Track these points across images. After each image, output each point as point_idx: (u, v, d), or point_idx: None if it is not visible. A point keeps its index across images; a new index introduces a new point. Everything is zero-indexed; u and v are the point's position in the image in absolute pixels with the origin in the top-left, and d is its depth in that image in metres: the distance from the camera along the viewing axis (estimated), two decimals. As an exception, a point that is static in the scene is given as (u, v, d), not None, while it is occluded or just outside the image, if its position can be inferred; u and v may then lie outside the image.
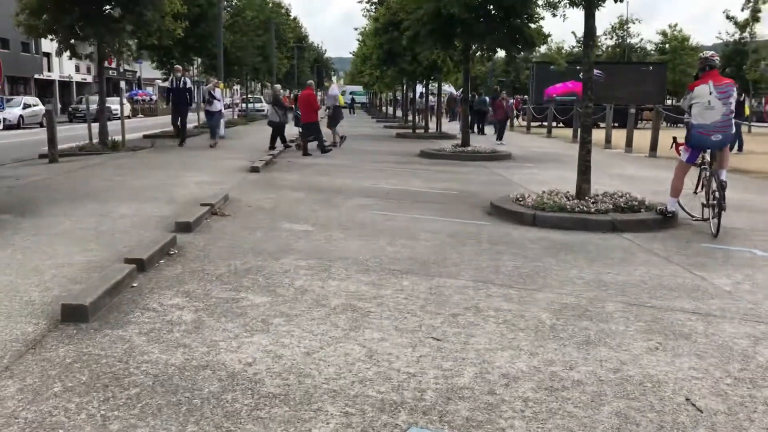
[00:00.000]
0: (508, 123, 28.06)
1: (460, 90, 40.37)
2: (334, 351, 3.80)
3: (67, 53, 16.68)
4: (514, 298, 4.91)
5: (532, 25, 16.19)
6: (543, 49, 30.33)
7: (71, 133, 21.64)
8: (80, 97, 44.87)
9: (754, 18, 32.95)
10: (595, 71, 36.92)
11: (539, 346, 3.94)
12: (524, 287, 5.22)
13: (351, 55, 66.06)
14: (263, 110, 47.10)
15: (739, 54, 46.43)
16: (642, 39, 50.43)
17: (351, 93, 78.79)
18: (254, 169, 12.65)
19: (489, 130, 28.43)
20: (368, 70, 29.74)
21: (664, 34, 46.96)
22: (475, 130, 29.04)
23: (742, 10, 33.36)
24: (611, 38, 50.49)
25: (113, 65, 59.98)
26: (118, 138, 17.08)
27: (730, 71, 47.40)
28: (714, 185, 7.56)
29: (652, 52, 50.22)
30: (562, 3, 15.12)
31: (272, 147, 17.84)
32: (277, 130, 18.13)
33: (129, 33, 16.84)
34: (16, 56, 44.85)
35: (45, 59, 50.26)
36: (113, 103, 46.07)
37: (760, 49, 41.50)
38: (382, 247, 6.55)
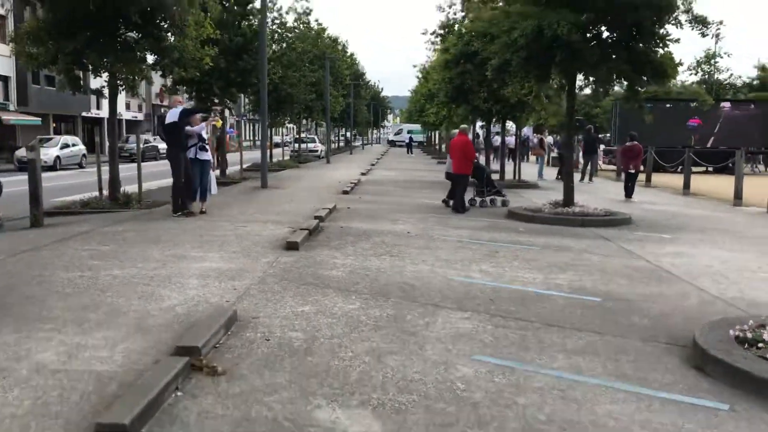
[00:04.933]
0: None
1: (528, 130, 36.39)
2: None
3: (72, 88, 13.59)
4: None
5: (660, 51, 12.32)
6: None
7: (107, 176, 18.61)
8: (127, 136, 42.71)
9: None
10: (691, 121, 32.96)
11: None
12: None
13: (409, 93, 63.27)
14: (317, 151, 44.18)
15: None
16: (732, 74, 45.56)
17: (409, 132, 75.77)
18: (291, 246, 9.03)
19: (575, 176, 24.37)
20: (434, 108, 26.20)
21: (762, 68, 42.14)
22: (560, 176, 25.04)
23: None
24: (695, 74, 45.92)
25: (164, 102, 58.38)
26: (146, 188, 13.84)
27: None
28: None
29: (743, 90, 45.26)
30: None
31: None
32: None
33: (148, 64, 13.68)
34: (62, 93, 43.08)
35: (94, 96, 48.54)
36: (162, 142, 44.18)
37: None
38: None
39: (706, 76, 45.75)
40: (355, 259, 8.40)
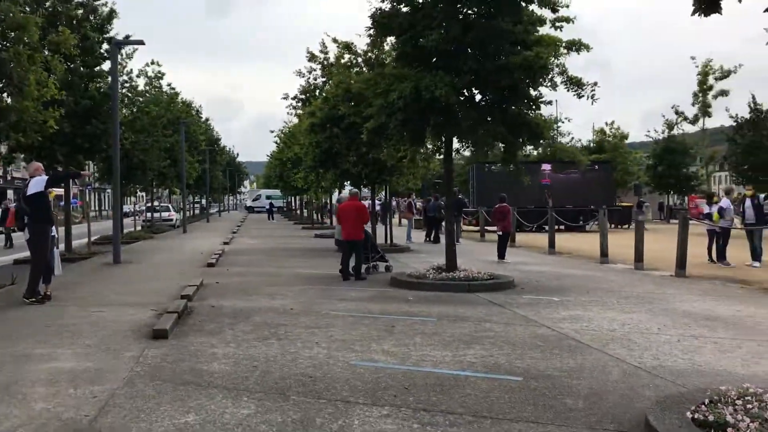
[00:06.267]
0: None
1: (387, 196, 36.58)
2: None
3: None
4: None
5: (531, 113, 12.43)
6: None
7: None
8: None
9: (705, 113, 31.19)
10: (544, 165, 34.37)
11: None
12: None
13: (266, 158, 62.17)
14: (171, 219, 41.92)
15: (669, 152, 45.45)
16: (573, 138, 48.85)
17: (268, 197, 74.28)
18: (159, 334, 7.77)
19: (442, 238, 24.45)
20: (301, 173, 25.47)
21: (602, 132, 45.49)
22: (430, 238, 25.07)
23: (693, 105, 31.55)
24: (540, 137, 48.68)
25: (-2, 172, 53.47)
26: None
27: (661, 170, 46.34)
28: None
29: (583, 152, 48.53)
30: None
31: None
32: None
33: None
34: None
35: None
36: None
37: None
38: None
39: (550, 140, 48.70)
40: (237, 347, 7.31)
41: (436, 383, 5.87)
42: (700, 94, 30.45)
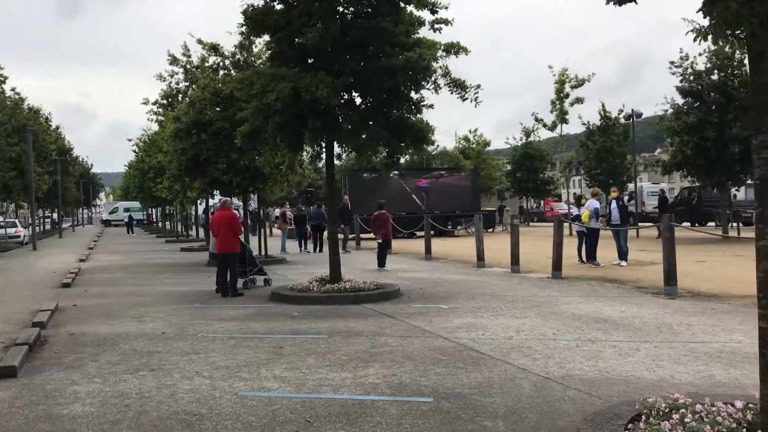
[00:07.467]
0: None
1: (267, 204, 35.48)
2: None
3: None
4: None
5: (413, 118, 12.11)
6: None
7: None
8: None
9: (562, 120, 32.48)
10: (419, 183, 34.51)
11: None
12: None
13: (124, 168, 58.59)
14: (19, 236, 38.33)
15: (527, 158, 47.35)
16: (438, 146, 49.70)
17: (126, 210, 70.02)
18: (6, 372, 6.60)
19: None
20: (165, 183, 23.88)
21: (466, 139, 46.55)
22: (309, 248, 24.38)
23: (551, 112, 32.72)
24: (408, 144, 49.38)
25: None
26: None
27: (520, 176, 48.24)
28: None
29: (448, 159, 49.67)
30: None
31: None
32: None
33: None
34: None
35: None
36: None
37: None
38: None
39: (433, 145, 49.43)
40: (103, 383, 6.32)
41: (340, 412, 5.26)
42: (557, 102, 31.79)
